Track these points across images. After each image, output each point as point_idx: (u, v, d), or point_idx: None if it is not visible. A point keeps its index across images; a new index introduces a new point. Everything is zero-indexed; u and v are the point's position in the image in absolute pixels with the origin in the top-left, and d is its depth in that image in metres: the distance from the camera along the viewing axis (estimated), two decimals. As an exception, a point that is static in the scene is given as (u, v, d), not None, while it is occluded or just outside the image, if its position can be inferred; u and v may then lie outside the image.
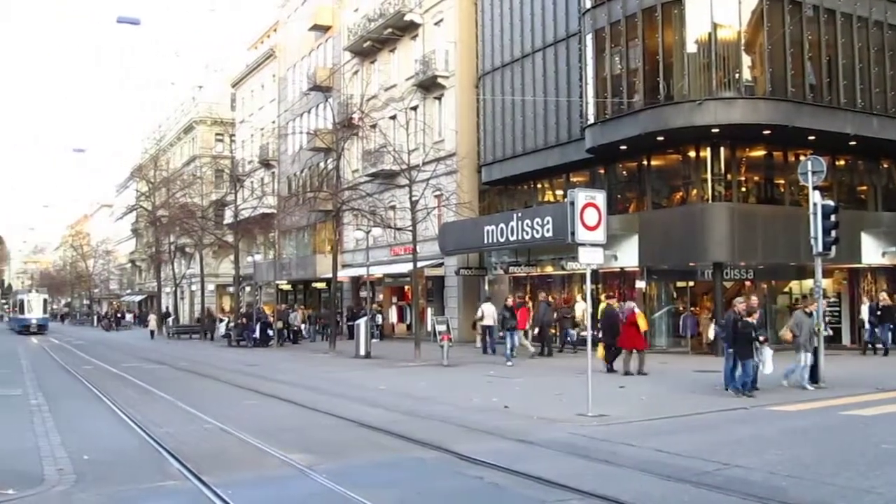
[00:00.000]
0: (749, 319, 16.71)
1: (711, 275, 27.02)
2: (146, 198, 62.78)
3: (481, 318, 29.86)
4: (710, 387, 17.94)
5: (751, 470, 9.69)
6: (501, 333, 25.51)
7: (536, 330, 28.69)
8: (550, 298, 30.16)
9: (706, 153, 27.38)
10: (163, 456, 11.34)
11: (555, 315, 29.22)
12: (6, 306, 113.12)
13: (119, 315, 77.77)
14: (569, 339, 29.92)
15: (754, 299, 18.49)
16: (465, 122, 37.52)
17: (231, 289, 59.38)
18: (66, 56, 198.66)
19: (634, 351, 21.43)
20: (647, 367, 21.28)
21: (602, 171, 31.18)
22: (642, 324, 21.82)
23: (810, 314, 17.80)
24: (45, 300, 70.39)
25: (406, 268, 35.40)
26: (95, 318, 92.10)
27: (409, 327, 40.62)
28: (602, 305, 28.75)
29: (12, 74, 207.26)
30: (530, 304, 30.67)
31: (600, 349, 22.23)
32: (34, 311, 66.54)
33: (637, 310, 22.29)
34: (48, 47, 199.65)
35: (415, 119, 35.79)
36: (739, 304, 17.52)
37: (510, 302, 26.93)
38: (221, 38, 76.28)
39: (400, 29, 41.54)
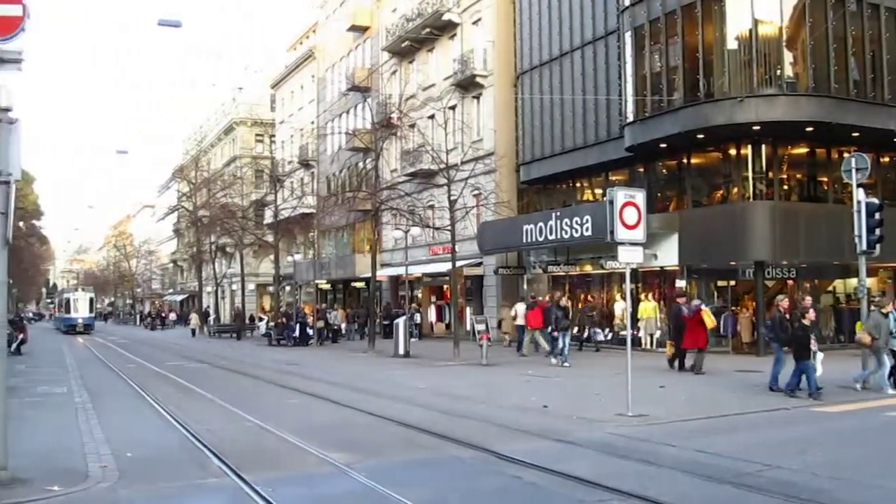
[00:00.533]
0: (805, 321, 16.42)
1: (753, 274, 26.75)
2: (187, 198, 63.53)
3: (514, 318, 29.82)
4: (752, 386, 17.77)
5: (793, 471, 9.60)
6: (555, 333, 25.00)
7: (575, 329, 28.57)
8: (564, 300, 30.00)
9: (747, 151, 27.09)
10: (204, 453, 11.47)
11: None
12: (51, 305, 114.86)
13: (163, 315, 78.81)
14: (593, 338, 30.14)
15: (808, 300, 18.24)
16: (503, 121, 37.47)
17: (271, 288, 59.77)
18: (109, 58, 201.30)
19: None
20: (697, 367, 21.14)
21: (641, 170, 30.97)
22: (709, 321, 21.78)
23: (887, 315, 17.35)
24: (91, 299, 68.30)
25: (445, 267, 35.45)
26: (138, 317, 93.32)
27: (447, 326, 40.64)
28: (645, 304, 28.77)
29: (57, 78, 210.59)
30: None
31: (669, 347, 22.50)
32: (80, 310, 65.08)
33: (704, 307, 22.23)
34: (91, 50, 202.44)
35: (453, 118, 35.83)
36: (783, 303, 17.29)
37: (563, 301, 26.30)
38: (261, 40, 76.80)
39: (438, 28, 41.58)
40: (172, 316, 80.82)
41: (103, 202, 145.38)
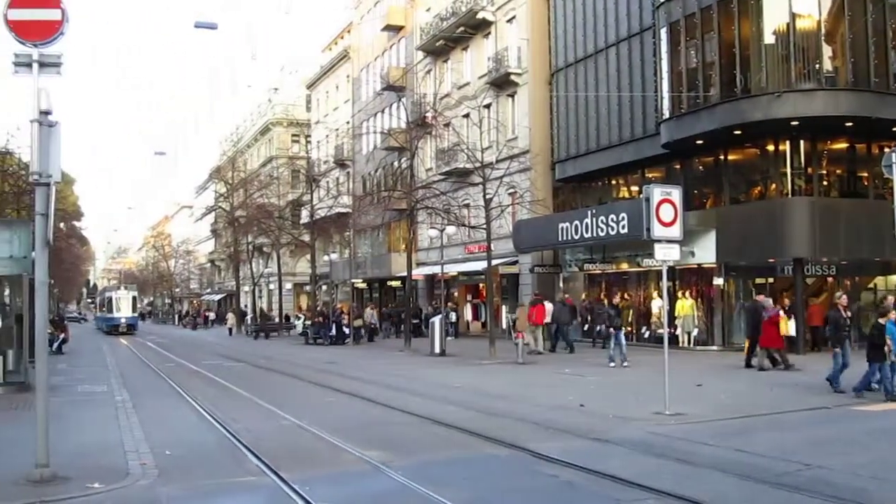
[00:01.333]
0: (882, 321, 16.06)
1: (792, 271, 26.46)
2: (225, 199, 63.98)
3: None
4: (791, 385, 17.59)
5: (833, 471, 9.48)
6: (609, 333, 24.68)
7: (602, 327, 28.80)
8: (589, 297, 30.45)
9: (785, 147, 26.82)
10: (241, 451, 11.56)
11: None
12: (92, 305, 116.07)
13: (207, 314, 79.32)
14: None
15: (843, 298, 17.94)
16: (538, 119, 37.36)
17: (308, 287, 60.11)
18: (145, 60, 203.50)
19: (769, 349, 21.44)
20: (724, 366, 20.96)
21: (678, 167, 30.75)
22: (784, 327, 21.97)
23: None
24: (134, 298, 65.77)
25: (480, 266, 35.43)
26: (177, 316, 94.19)
27: (483, 325, 40.62)
28: (683, 302, 28.55)
29: (95, 79, 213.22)
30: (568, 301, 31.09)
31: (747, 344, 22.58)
32: (123, 309, 62.12)
33: (782, 313, 22.24)
34: (129, 51, 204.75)
35: (488, 117, 35.81)
36: (841, 300, 17.03)
37: (616, 300, 25.75)
38: (296, 41, 77.13)
39: (472, 27, 41.57)
40: (211, 315, 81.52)
41: (142, 203, 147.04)
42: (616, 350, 23.61)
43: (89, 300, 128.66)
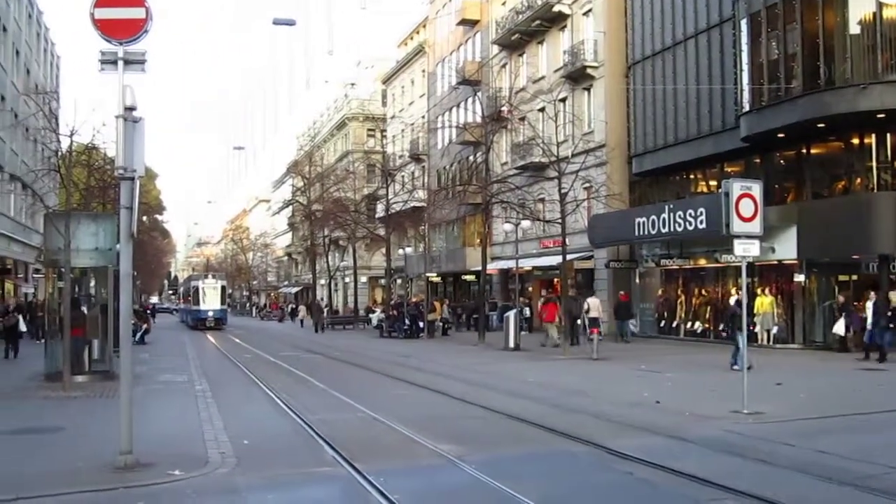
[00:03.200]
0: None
1: (877, 268, 25.73)
2: (301, 193, 64.92)
3: (587, 311, 29.49)
4: (874, 385, 17.11)
5: (920, 474, 9.19)
6: (725, 333, 23.52)
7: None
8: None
9: (871, 140, 26.05)
10: (317, 442, 11.71)
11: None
12: (173, 296, 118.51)
13: (294, 306, 79.20)
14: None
15: (872, 295, 17.38)
16: (614, 112, 36.98)
17: (383, 281, 60.56)
18: (225, 55, 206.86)
19: None
20: (805, 365, 20.49)
21: (758, 161, 30.12)
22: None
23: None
24: (223, 288, 58.01)
25: (555, 260, 35.21)
26: (254, 308, 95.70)
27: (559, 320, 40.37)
28: (762, 299, 27.97)
29: (180, 78, 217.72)
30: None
31: None
32: (210, 301, 55.30)
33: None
34: (211, 50, 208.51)
35: (563, 111, 35.59)
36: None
37: (739, 296, 23.45)
38: (372, 37, 77.69)
39: (548, 20, 41.34)
40: (290, 308, 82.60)
41: (221, 197, 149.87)
42: (736, 351, 20.50)
43: (170, 291, 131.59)
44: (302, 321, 57.96)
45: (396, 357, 27.96)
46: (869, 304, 22.80)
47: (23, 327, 29.01)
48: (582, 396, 16.53)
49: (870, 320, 22.61)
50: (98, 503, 8.70)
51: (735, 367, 19.86)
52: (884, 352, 21.88)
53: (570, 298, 30.39)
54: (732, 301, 23.78)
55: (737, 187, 13.85)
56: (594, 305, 29.30)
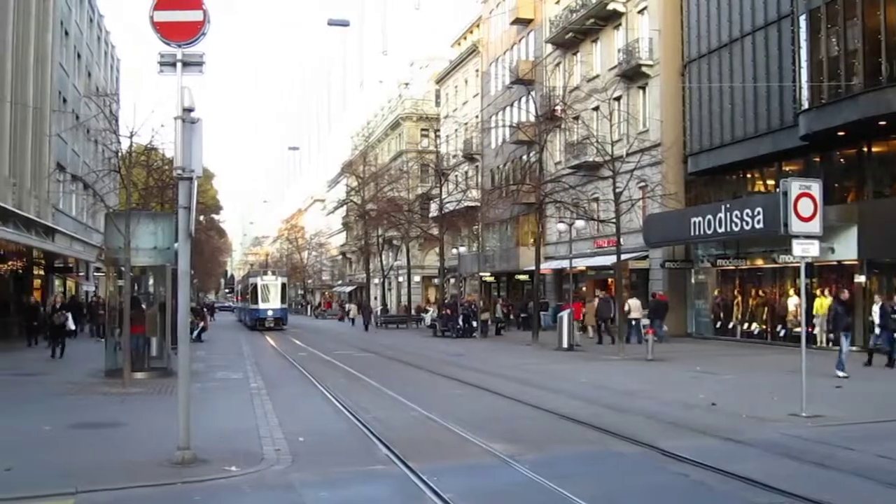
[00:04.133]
0: None
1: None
2: (356, 192, 65.32)
3: (628, 312, 29.20)
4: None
5: None
6: (830, 335, 23.05)
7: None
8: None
9: (934, 138, 25.49)
10: (371, 441, 11.79)
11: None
12: (230, 294, 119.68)
13: (362, 305, 79.19)
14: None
15: None
16: (670, 111, 36.60)
17: (436, 280, 60.70)
18: (283, 57, 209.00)
19: None
20: (865, 368, 20.09)
21: (817, 159, 29.59)
22: None
23: None
24: (283, 285, 54.30)
25: (609, 260, 35.00)
26: (308, 307, 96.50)
27: (612, 320, 40.14)
28: (821, 300, 27.48)
29: (240, 79, 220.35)
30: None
31: None
32: (271, 299, 51.90)
33: None
34: (265, 47, 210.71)
35: (618, 109, 35.37)
36: None
37: (844, 295, 21.88)
38: (425, 37, 77.95)
39: (602, 19, 41.08)
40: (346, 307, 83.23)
41: (276, 196, 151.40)
42: (842, 355, 19.57)
43: (227, 290, 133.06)
44: (353, 320, 58.38)
45: (449, 356, 28.00)
46: (875, 308, 22.23)
47: (71, 325, 28.52)
48: (635, 397, 16.40)
49: (877, 324, 22.03)
50: (156, 498, 8.86)
51: (840, 373, 18.97)
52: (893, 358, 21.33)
53: (601, 300, 30.35)
54: (830, 301, 23.01)
55: (795, 186, 13.64)
56: (635, 307, 29.20)
